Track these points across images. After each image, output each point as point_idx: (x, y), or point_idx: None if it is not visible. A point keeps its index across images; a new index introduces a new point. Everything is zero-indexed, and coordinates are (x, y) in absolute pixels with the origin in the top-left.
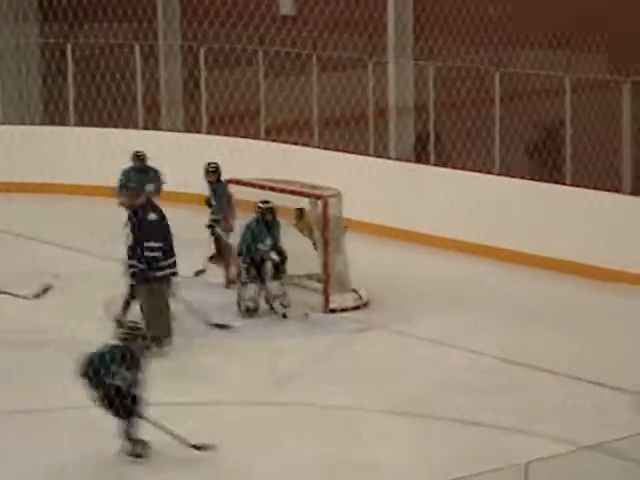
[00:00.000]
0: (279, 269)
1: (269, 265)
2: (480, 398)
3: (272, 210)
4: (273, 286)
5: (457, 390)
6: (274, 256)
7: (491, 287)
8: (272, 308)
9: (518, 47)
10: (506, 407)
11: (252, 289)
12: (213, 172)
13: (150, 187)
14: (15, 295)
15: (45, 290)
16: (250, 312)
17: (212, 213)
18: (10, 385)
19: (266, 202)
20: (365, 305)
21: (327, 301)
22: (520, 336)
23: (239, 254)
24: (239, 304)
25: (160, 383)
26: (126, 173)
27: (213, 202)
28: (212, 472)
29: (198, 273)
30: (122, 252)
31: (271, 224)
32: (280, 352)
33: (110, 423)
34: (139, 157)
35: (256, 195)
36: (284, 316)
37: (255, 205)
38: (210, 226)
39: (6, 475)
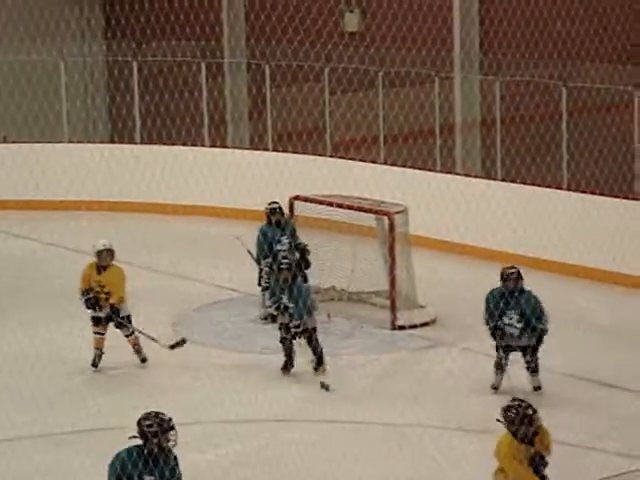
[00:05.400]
0: (301, 267)
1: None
2: (549, 415)
3: (280, 210)
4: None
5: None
6: (290, 255)
7: (560, 304)
8: None
9: (587, 61)
10: (575, 424)
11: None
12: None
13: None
14: (152, 338)
15: (180, 342)
16: (273, 318)
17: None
18: (82, 404)
19: (272, 203)
20: (433, 322)
21: (394, 318)
22: (589, 353)
23: (257, 260)
24: (261, 310)
25: (227, 400)
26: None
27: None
28: None
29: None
30: (188, 269)
31: (282, 223)
32: (347, 369)
33: None
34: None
35: (322, 212)
36: (328, 317)
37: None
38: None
39: None
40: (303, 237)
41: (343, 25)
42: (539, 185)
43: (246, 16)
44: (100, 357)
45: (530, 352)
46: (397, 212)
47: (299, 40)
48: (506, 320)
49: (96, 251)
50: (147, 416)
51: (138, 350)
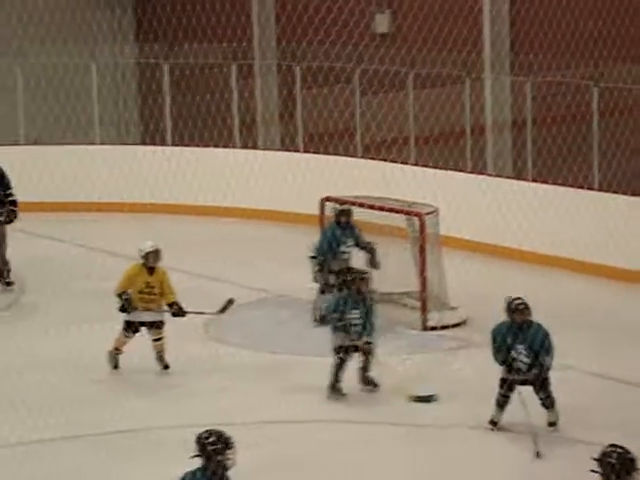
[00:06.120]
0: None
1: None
2: (582, 416)
3: (349, 212)
4: None
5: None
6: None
7: (590, 304)
8: None
9: (618, 61)
10: (608, 423)
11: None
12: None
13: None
14: (199, 313)
15: (227, 304)
16: (325, 320)
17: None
18: (112, 407)
19: (343, 205)
20: (464, 322)
21: (425, 319)
22: (620, 353)
23: (314, 258)
24: (314, 311)
25: (256, 401)
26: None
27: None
28: None
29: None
30: (219, 270)
31: (349, 227)
32: (378, 370)
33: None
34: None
35: (353, 213)
36: None
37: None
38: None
39: None
40: None
41: (374, 26)
42: (570, 186)
43: (277, 18)
44: (117, 358)
45: (540, 387)
46: (428, 213)
47: (330, 41)
48: (514, 354)
49: (145, 253)
50: (209, 433)
51: (161, 357)
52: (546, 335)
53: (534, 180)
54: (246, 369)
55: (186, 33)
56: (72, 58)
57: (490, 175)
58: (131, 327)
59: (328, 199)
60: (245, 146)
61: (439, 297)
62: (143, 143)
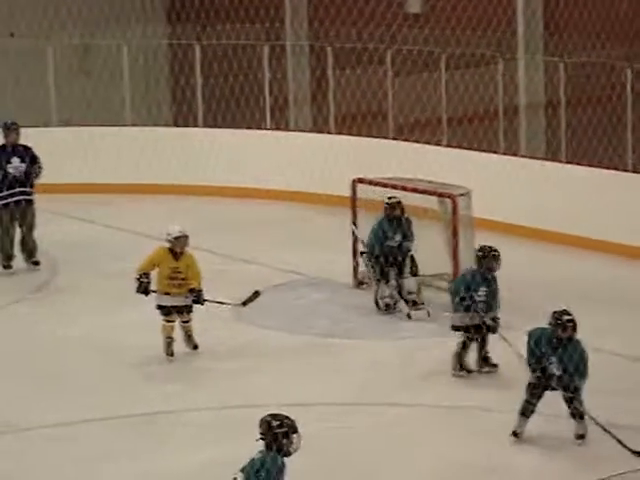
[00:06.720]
0: (414, 264)
1: (407, 261)
2: (612, 399)
3: (398, 205)
4: (409, 282)
5: (588, 391)
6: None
7: (623, 287)
8: (407, 303)
9: None
10: (628, 406)
11: (390, 286)
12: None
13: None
14: (223, 303)
15: (253, 297)
16: (389, 308)
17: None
18: (140, 389)
19: (392, 197)
20: None
21: None
22: None
23: (369, 252)
24: (377, 302)
25: (288, 383)
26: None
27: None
28: (348, 477)
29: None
30: (250, 252)
31: (399, 220)
32: (410, 352)
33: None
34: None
35: (385, 195)
36: (408, 316)
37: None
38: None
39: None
40: (366, 220)
41: (406, 6)
42: (604, 167)
43: None
44: (171, 345)
45: (571, 398)
46: (460, 194)
47: (362, 22)
48: (545, 363)
49: (173, 237)
50: (274, 417)
51: (190, 337)
52: (583, 356)
53: (568, 162)
54: (277, 351)
55: (218, 14)
56: (104, 39)
57: (523, 157)
58: (164, 311)
59: (360, 180)
60: (277, 127)
61: None
62: (175, 125)
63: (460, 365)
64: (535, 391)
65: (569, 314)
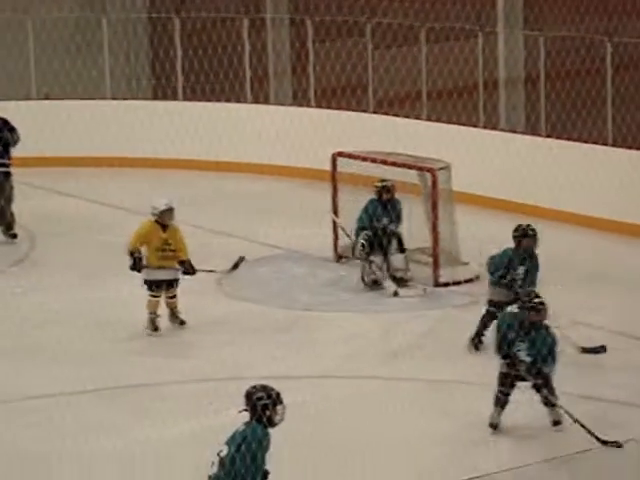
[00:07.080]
0: (402, 243)
1: (394, 240)
2: (595, 373)
3: (388, 189)
4: (396, 259)
5: (571, 365)
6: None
7: (607, 261)
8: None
9: (632, 16)
10: (621, 382)
11: (377, 261)
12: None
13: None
14: (210, 271)
15: (238, 262)
16: (377, 284)
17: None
18: (126, 361)
19: (383, 181)
20: (476, 278)
21: (437, 274)
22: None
23: (360, 228)
24: (363, 278)
25: (269, 356)
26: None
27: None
28: (326, 448)
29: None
30: (230, 226)
31: (388, 203)
32: (390, 326)
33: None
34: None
35: (365, 168)
36: (395, 294)
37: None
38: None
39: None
40: (346, 194)
41: None
42: (584, 141)
43: None
44: (155, 321)
45: (541, 385)
46: (440, 168)
47: None
48: (515, 349)
49: (160, 210)
50: (260, 389)
51: (175, 314)
52: (552, 344)
53: (547, 135)
54: (259, 325)
55: None
56: (83, 12)
57: (503, 130)
58: (152, 286)
59: (340, 154)
60: (257, 101)
61: (451, 253)
62: (154, 98)
63: (479, 341)
64: (507, 380)
65: (539, 296)
